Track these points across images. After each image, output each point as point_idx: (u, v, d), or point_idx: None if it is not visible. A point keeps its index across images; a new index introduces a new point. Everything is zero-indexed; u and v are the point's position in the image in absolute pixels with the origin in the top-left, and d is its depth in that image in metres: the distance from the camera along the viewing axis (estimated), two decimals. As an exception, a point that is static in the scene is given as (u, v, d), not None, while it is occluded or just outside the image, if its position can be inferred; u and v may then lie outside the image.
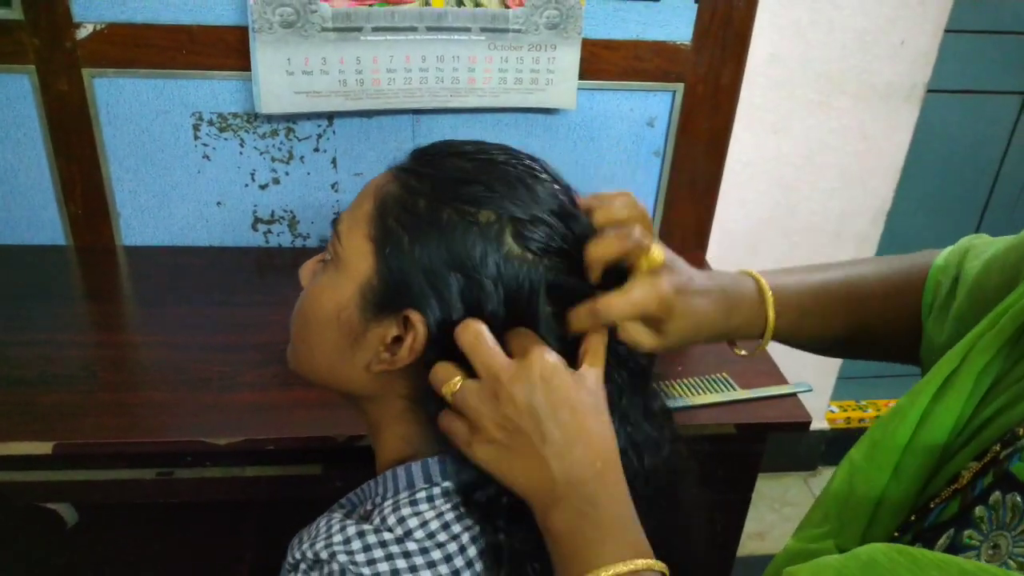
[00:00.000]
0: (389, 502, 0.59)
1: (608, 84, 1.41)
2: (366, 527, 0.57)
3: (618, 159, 1.49)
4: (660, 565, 0.53)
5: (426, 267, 0.58)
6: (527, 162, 0.63)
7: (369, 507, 0.60)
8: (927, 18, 1.53)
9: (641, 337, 0.62)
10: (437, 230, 0.58)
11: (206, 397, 1.05)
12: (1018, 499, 0.45)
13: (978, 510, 0.47)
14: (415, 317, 0.58)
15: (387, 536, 0.56)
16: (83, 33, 1.25)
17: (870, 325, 0.71)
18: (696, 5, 1.37)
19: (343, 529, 0.57)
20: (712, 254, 1.60)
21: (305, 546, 0.57)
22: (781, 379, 1.17)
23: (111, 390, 1.06)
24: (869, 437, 0.57)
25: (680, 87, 1.43)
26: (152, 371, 1.12)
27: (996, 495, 0.46)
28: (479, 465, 0.56)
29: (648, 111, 1.45)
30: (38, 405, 1.02)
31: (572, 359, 0.59)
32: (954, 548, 0.47)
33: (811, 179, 1.66)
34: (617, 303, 0.58)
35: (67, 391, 1.05)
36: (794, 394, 1.15)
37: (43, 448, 0.96)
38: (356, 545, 0.56)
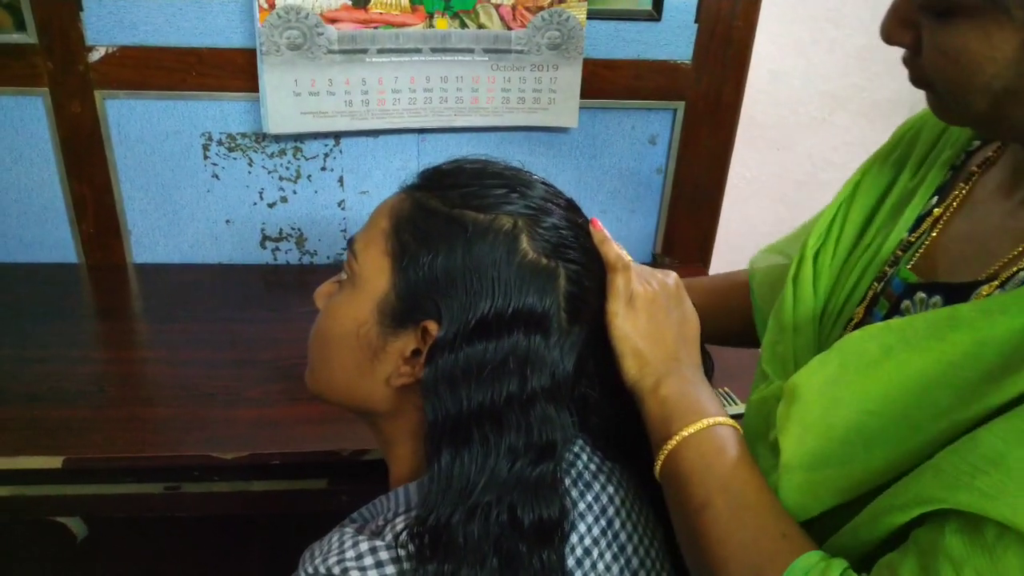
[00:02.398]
0: (401, 518, 0.60)
1: (610, 103, 1.43)
2: (378, 543, 0.57)
3: (620, 176, 1.50)
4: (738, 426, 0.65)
5: (441, 277, 0.59)
6: (530, 175, 0.66)
7: (381, 522, 0.60)
8: (927, 35, 1.55)
9: None
10: (451, 240, 0.59)
11: (213, 412, 1.07)
12: (922, 295, 0.59)
13: (894, 319, 0.58)
14: (433, 327, 0.59)
15: (400, 552, 0.57)
16: (95, 56, 1.28)
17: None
18: (696, 25, 1.39)
19: (356, 545, 0.57)
20: (715, 270, 1.61)
21: (318, 560, 0.57)
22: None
23: (120, 405, 1.08)
24: (771, 326, 0.72)
25: (681, 105, 1.45)
26: (160, 387, 1.14)
27: (906, 303, 0.61)
28: (621, 335, 0.65)
29: (650, 129, 1.47)
30: (48, 420, 1.03)
31: (589, 358, 0.66)
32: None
33: (814, 195, 1.67)
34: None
35: (77, 406, 1.06)
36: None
37: (53, 463, 0.97)
38: (368, 561, 0.56)
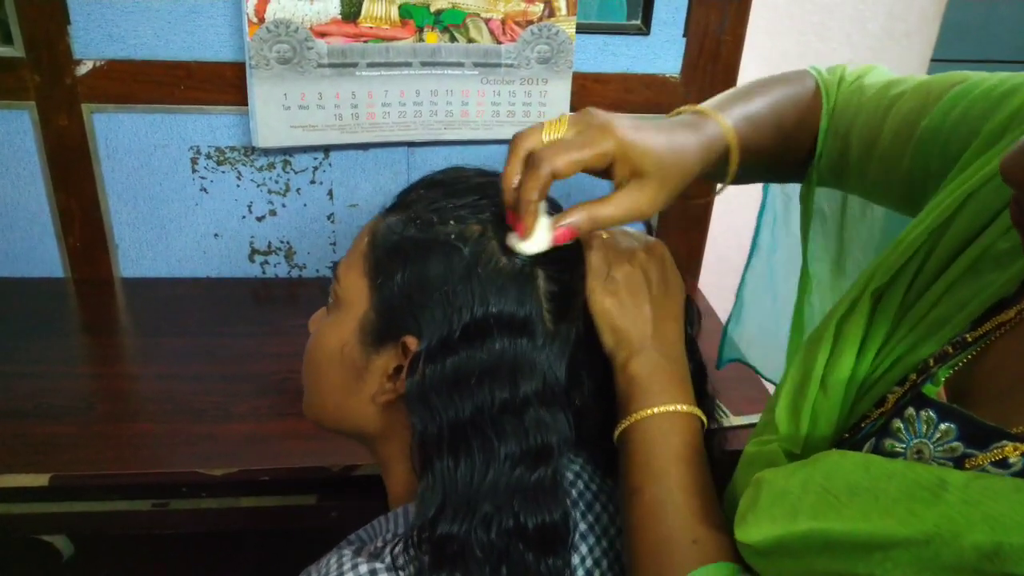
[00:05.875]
0: (401, 539, 0.59)
1: (599, 116, 1.43)
2: (378, 565, 0.57)
3: (610, 188, 1.50)
4: (703, 416, 0.63)
5: (416, 292, 0.59)
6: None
7: (380, 544, 0.60)
8: (912, 49, 1.56)
9: (633, 202, 0.61)
10: (421, 254, 0.60)
11: (202, 428, 1.06)
12: (931, 413, 0.52)
13: (895, 422, 0.54)
14: (412, 342, 0.60)
15: (399, 574, 0.56)
16: (83, 70, 1.28)
17: (785, 152, 0.77)
18: (684, 39, 1.39)
19: (355, 567, 0.56)
20: (705, 281, 1.61)
21: None
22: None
23: (108, 422, 1.07)
24: (798, 367, 0.62)
25: (670, 118, 1.45)
26: (149, 402, 1.13)
27: (910, 411, 0.53)
28: (598, 311, 0.64)
29: (639, 142, 1.47)
30: (35, 437, 1.02)
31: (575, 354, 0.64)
32: (877, 453, 0.54)
33: (802, 207, 1.68)
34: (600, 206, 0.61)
35: (64, 423, 1.05)
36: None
37: (39, 480, 0.96)
38: None
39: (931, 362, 0.55)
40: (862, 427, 0.57)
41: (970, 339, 0.53)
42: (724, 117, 0.68)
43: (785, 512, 0.51)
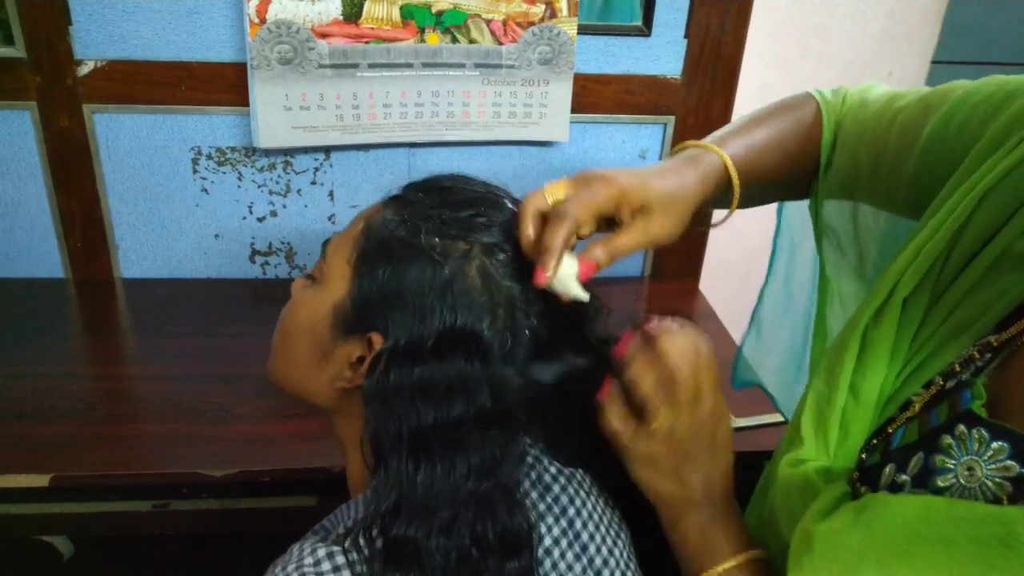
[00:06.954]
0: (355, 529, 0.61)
1: (600, 117, 1.44)
2: (335, 548, 0.58)
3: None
4: (764, 552, 0.63)
5: (392, 293, 0.61)
6: (503, 199, 0.67)
7: (342, 530, 0.62)
8: (913, 50, 1.56)
9: (643, 230, 0.65)
10: (406, 259, 0.61)
11: (203, 429, 1.06)
12: (984, 433, 0.51)
13: (945, 439, 0.54)
14: (377, 340, 0.61)
15: (355, 556, 0.58)
16: (84, 70, 1.28)
17: (791, 173, 0.80)
18: (686, 40, 1.39)
19: (314, 551, 0.58)
20: (705, 284, 1.61)
21: (278, 570, 0.58)
22: (774, 407, 1.18)
23: (108, 422, 1.07)
24: (821, 379, 0.62)
25: (671, 120, 1.45)
26: (149, 403, 1.13)
27: (961, 428, 0.53)
28: (634, 477, 0.63)
29: (640, 143, 1.47)
30: (36, 438, 1.02)
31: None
32: (927, 469, 0.54)
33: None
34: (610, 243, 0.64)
35: (65, 424, 1.05)
36: (787, 422, 1.16)
37: (40, 480, 0.96)
38: (326, 566, 0.57)
39: (957, 367, 0.55)
40: (889, 431, 0.57)
41: (995, 343, 0.53)
42: (723, 148, 0.73)
43: (847, 566, 0.51)
